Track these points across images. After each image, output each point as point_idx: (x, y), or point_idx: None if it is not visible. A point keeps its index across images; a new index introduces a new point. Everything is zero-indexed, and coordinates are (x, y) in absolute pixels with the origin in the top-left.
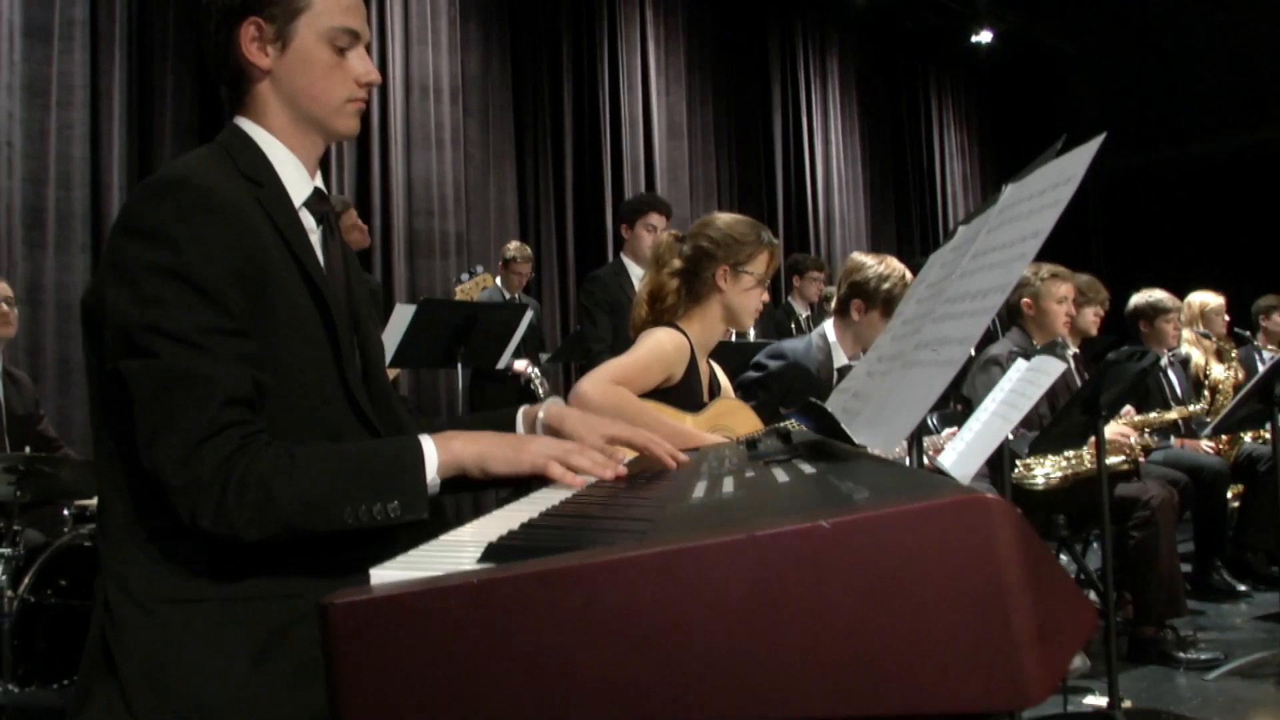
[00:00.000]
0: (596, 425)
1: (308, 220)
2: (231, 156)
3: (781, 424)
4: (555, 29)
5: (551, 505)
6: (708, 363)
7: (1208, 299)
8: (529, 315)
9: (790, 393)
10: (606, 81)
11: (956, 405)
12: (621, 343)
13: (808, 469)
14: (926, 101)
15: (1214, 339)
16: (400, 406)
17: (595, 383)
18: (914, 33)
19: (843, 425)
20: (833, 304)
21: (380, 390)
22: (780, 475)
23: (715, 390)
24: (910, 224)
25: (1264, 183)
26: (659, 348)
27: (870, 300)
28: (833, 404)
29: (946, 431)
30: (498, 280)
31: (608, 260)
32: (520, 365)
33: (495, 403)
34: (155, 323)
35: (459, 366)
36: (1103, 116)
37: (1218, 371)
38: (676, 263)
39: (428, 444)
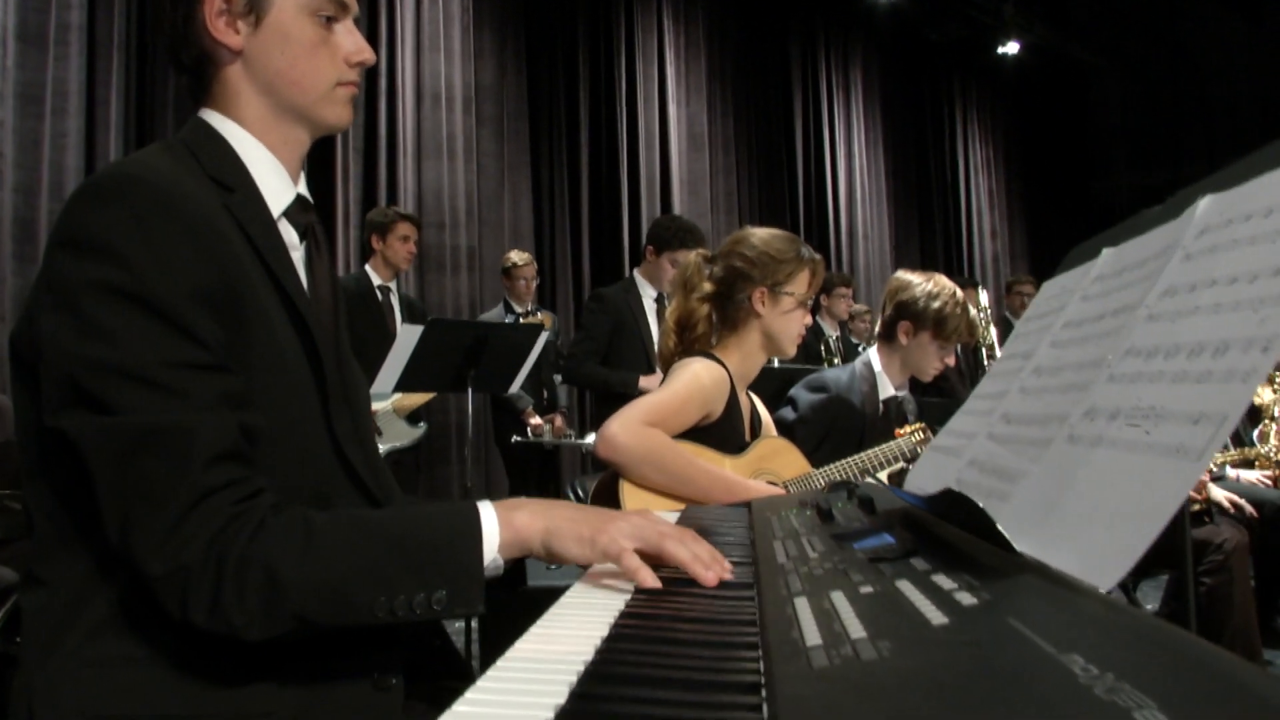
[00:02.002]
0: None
1: (289, 234)
2: (195, 155)
3: (824, 467)
4: (572, 37)
5: (615, 614)
6: (748, 396)
7: None
8: (544, 336)
9: (833, 431)
10: (624, 91)
11: None
12: (627, 364)
13: (953, 588)
14: (951, 114)
15: None
16: (386, 468)
17: (625, 424)
18: (939, 43)
19: (994, 521)
20: (877, 328)
21: (370, 445)
22: (915, 598)
23: (756, 427)
24: (934, 238)
25: None
26: (696, 382)
27: (920, 322)
28: (935, 469)
29: None
30: (505, 293)
31: (624, 274)
32: (536, 421)
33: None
34: (106, 360)
35: (469, 391)
36: (1130, 131)
37: (1266, 395)
38: (707, 286)
39: (488, 514)
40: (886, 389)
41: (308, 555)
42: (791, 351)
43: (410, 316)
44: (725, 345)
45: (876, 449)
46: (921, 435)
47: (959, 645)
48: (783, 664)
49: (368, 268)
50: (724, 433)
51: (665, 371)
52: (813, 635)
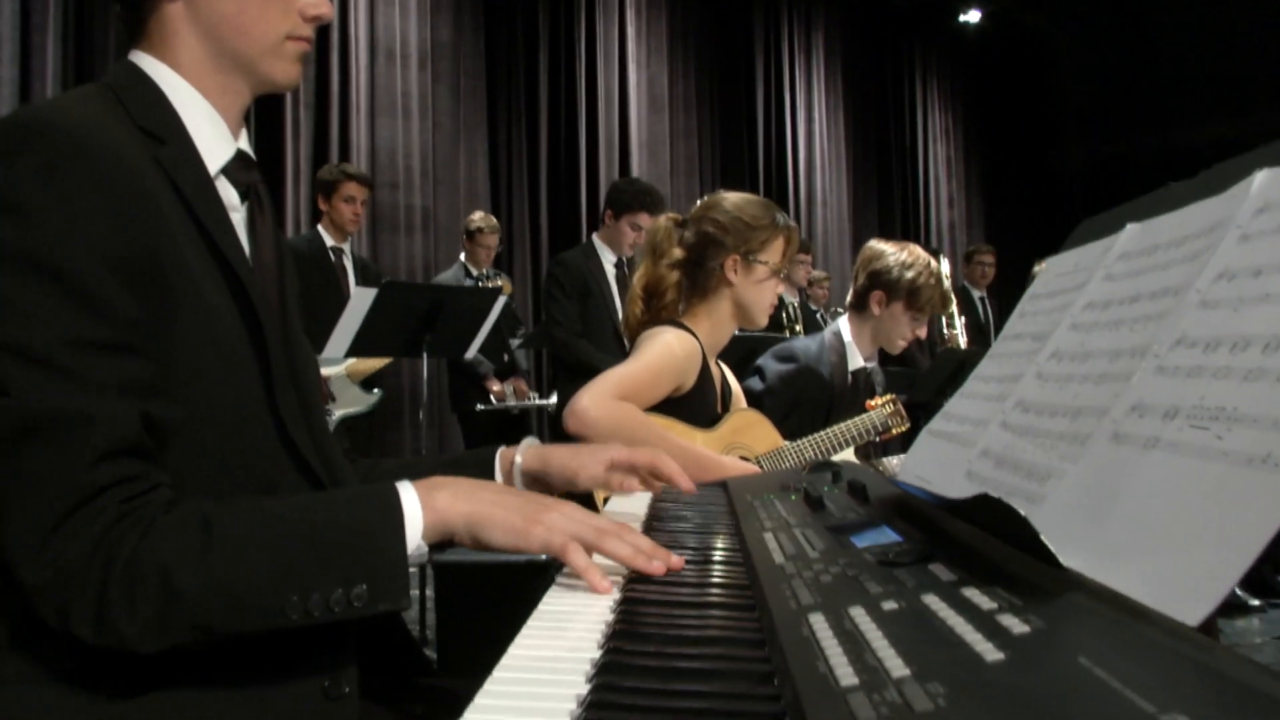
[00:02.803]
0: (588, 455)
1: (228, 194)
2: (122, 101)
3: (797, 441)
4: None
5: (599, 635)
6: (718, 366)
7: None
8: (502, 300)
9: (800, 403)
10: (584, 51)
11: None
12: (591, 330)
13: (992, 608)
14: (911, 80)
15: None
16: (337, 446)
17: (596, 397)
18: (901, 9)
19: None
20: (848, 298)
21: (320, 425)
22: (952, 620)
23: (726, 398)
24: (892, 205)
25: None
26: (668, 353)
27: (893, 292)
28: (938, 458)
29: None
30: (462, 255)
31: (581, 237)
32: (498, 388)
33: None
34: None
35: (425, 355)
36: (1088, 102)
37: None
38: (677, 252)
39: (408, 496)
40: (856, 360)
41: (207, 555)
42: (763, 322)
43: (364, 279)
44: (695, 314)
45: (849, 422)
46: (892, 408)
47: (1032, 698)
48: (818, 712)
49: (320, 229)
50: (695, 405)
51: (631, 341)
52: (845, 671)
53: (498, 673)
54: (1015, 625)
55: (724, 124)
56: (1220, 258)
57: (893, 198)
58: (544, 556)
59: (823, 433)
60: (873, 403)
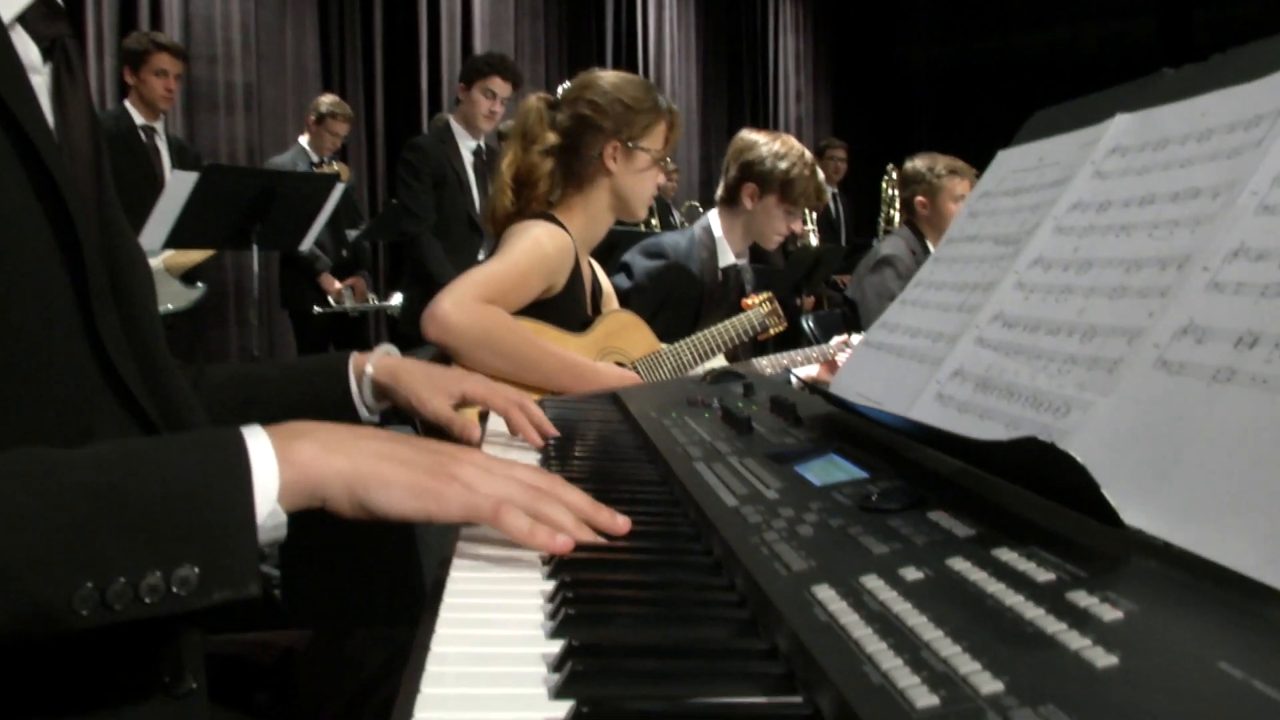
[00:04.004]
0: (441, 382)
1: (26, 50)
2: None
3: (675, 344)
4: None
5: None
6: (589, 263)
7: None
8: (340, 188)
9: (669, 301)
10: None
11: (842, 309)
12: (447, 223)
13: (1049, 580)
14: None
15: None
16: (179, 374)
17: (459, 301)
18: None
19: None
20: (718, 190)
21: (155, 351)
22: (1009, 599)
23: (597, 298)
24: (741, 98)
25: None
26: (538, 250)
27: (766, 184)
28: (889, 375)
29: (837, 339)
30: (303, 140)
31: (422, 123)
32: (337, 286)
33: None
34: None
35: (254, 248)
36: (934, 2)
37: None
38: (550, 137)
39: (259, 446)
40: (726, 256)
41: None
42: (643, 214)
43: (180, 162)
44: (569, 206)
45: (727, 323)
46: (769, 307)
47: None
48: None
49: (127, 104)
50: (566, 307)
51: (497, 235)
52: (909, 682)
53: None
54: (1095, 606)
55: (572, 7)
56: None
57: (742, 90)
58: None
59: (700, 334)
60: (749, 301)
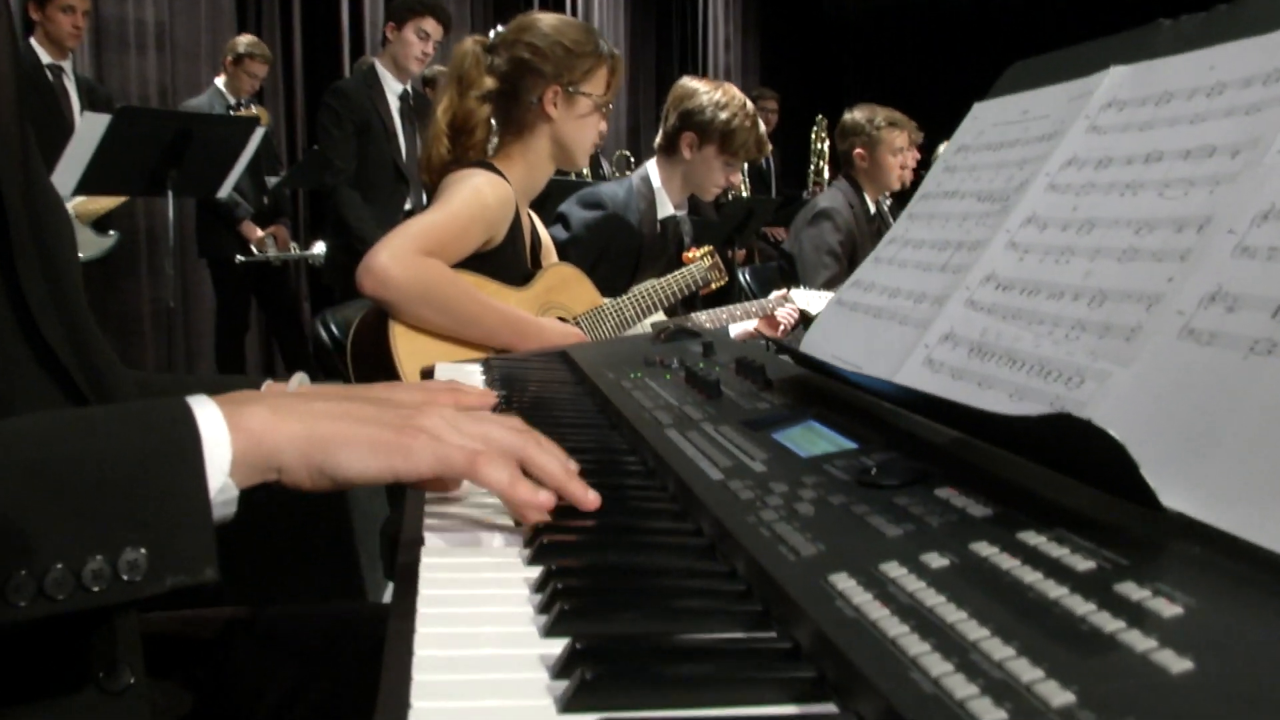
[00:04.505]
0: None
1: None
2: None
3: (616, 299)
4: None
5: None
6: (528, 215)
7: None
8: (260, 131)
9: (608, 253)
10: None
11: (779, 262)
12: (370, 171)
13: (1090, 567)
14: None
15: None
16: (105, 343)
17: (398, 254)
18: None
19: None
20: (657, 139)
21: (79, 312)
22: (1056, 594)
23: (536, 251)
24: (670, 45)
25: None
26: (479, 200)
27: (705, 134)
28: (869, 337)
29: (775, 294)
30: (219, 81)
31: (343, 65)
32: (258, 234)
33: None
34: None
35: (170, 194)
36: None
37: None
38: (488, 82)
39: (208, 415)
40: (665, 208)
41: None
42: (584, 163)
43: (91, 104)
44: (508, 154)
45: (669, 278)
46: (711, 260)
47: None
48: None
49: (33, 42)
50: (507, 260)
51: (434, 184)
52: (967, 692)
53: None
54: (1149, 600)
55: None
56: None
57: (671, 37)
58: None
59: (643, 289)
60: (690, 255)
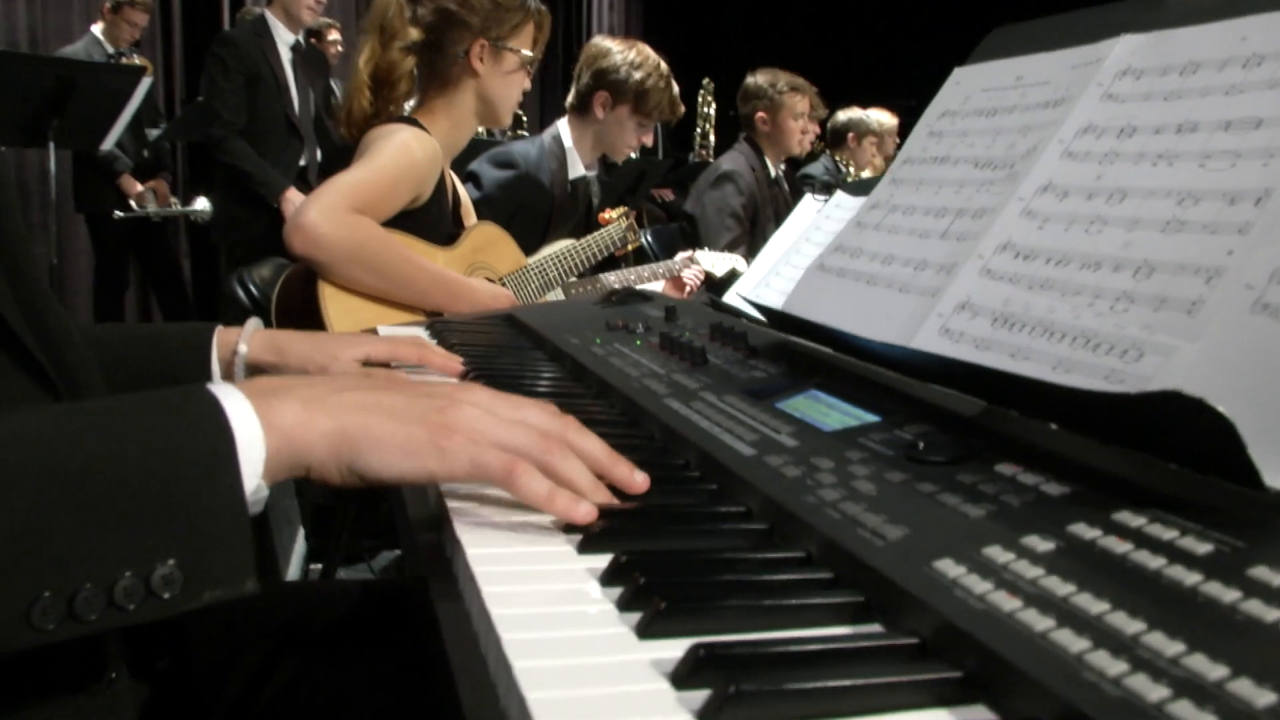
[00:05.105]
0: (334, 348)
1: None
2: None
3: (537, 259)
4: None
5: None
6: (449, 173)
7: (884, 119)
8: (147, 82)
9: (519, 213)
10: None
11: (680, 224)
12: (261, 125)
13: (1209, 551)
14: None
15: (885, 162)
16: (63, 314)
17: (328, 211)
18: None
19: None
20: (569, 98)
21: (43, 300)
22: (1191, 580)
23: (457, 210)
24: (555, 4)
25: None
26: (407, 156)
27: (619, 94)
28: (868, 305)
29: (682, 256)
30: (96, 29)
31: (222, 15)
32: (139, 189)
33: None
34: None
35: (50, 146)
36: None
37: None
38: (412, 33)
39: (239, 410)
40: (576, 168)
41: None
42: (508, 121)
43: None
44: (432, 109)
45: (590, 239)
46: (627, 221)
47: None
48: None
49: None
50: (432, 219)
51: (355, 139)
52: (1149, 688)
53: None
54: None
55: None
56: None
57: None
58: None
59: (565, 250)
60: (607, 216)
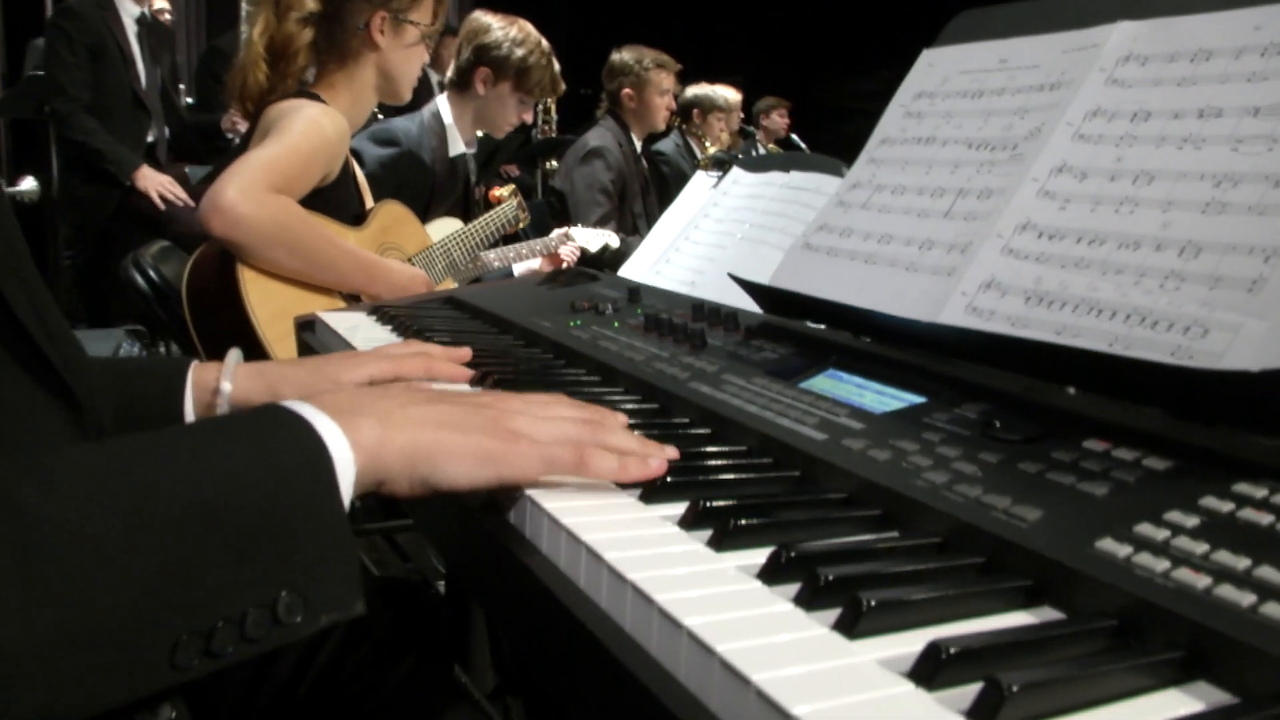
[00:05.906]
0: (335, 372)
1: None
2: None
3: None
4: None
5: None
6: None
7: (730, 95)
8: None
9: (402, 191)
10: None
11: (549, 199)
12: (105, 100)
13: None
14: None
15: (732, 136)
16: (73, 336)
17: (247, 190)
18: None
19: None
20: (448, 73)
21: (43, 300)
22: None
23: (358, 188)
24: None
25: None
26: (319, 133)
27: (501, 70)
28: (875, 284)
29: (557, 232)
30: None
31: None
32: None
33: None
34: None
35: None
36: None
37: None
38: (310, 3)
39: (329, 431)
40: (457, 145)
41: (31, 576)
42: (408, 96)
43: None
44: (331, 83)
45: (486, 218)
46: (517, 200)
47: None
48: None
49: None
50: (341, 198)
51: (253, 115)
52: None
53: None
54: None
55: None
56: None
57: None
58: None
59: (464, 231)
60: (498, 195)
